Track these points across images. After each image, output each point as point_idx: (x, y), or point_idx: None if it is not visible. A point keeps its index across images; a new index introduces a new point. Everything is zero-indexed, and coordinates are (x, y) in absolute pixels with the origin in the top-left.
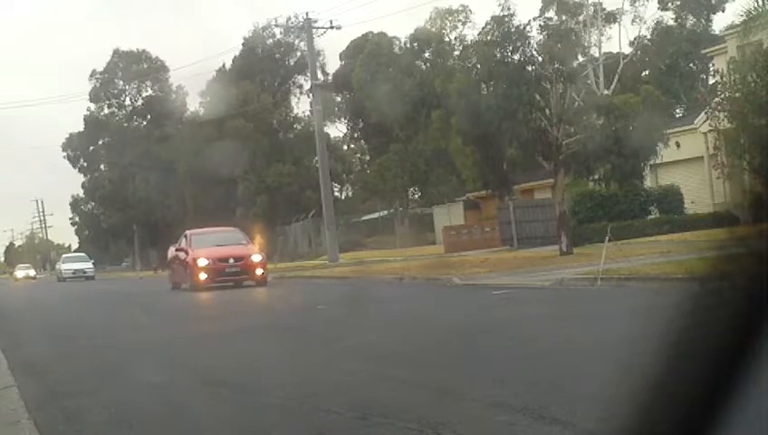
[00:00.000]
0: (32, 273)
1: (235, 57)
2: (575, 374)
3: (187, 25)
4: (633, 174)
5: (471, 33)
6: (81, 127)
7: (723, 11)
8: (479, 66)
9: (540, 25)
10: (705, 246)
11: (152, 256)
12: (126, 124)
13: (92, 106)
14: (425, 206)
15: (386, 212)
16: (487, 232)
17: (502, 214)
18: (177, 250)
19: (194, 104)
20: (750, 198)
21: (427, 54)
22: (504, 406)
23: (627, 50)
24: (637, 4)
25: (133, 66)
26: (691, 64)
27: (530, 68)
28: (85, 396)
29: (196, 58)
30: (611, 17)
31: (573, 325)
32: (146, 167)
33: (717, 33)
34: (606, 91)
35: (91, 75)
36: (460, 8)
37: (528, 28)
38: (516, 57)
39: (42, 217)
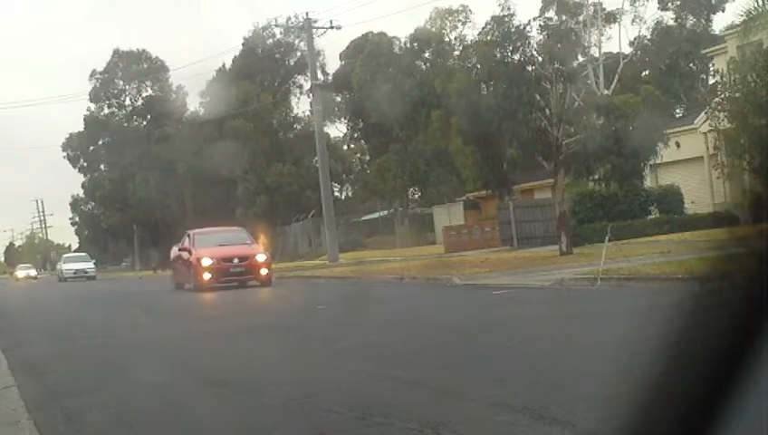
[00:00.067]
0: (33, 273)
1: (235, 57)
2: (575, 374)
3: (187, 25)
4: (633, 174)
5: (471, 33)
6: (81, 127)
7: (723, 11)
8: (479, 66)
9: (540, 25)
10: (705, 246)
11: (152, 256)
12: (126, 124)
13: (92, 106)
14: (425, 206)
15: (386, 212)
16: (487, 232)
17: (502, 214)
18: (180, 250)
19: (194, 104)
20: (750, 198)
21: (427, 54)
22: (504, 406)
23: (627, 50)
24: (637, 4)
25: (133, 66)
26: (691, 64)
27: (530, 68)
28: (85, 396)
29: (196, 58)
30: (611, 17)
31: (573, 325)
32: (146, 167)
33: (717, 33)
34: (606, 91)
35: (91, 75)
36: (460, 8)
37: (528, 28)
38: (516, 57)
39: (42, 217)
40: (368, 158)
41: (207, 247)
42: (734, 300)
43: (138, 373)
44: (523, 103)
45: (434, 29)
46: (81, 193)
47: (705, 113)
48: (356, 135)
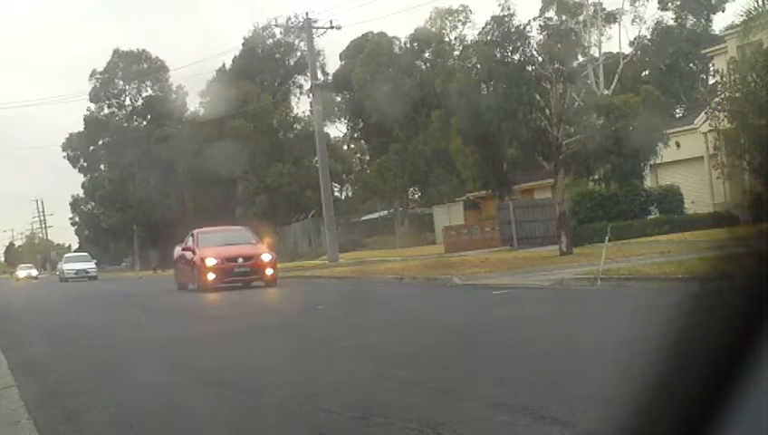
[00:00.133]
0: (34, 273)
1: (235, 57)
2: (575, 374)
3: (187, 25)
4: (633, 174)
5: (471, 33)
6: (81, 127)
7: (723, 11)
8: (479, 66)
9: (540, 25)
10: (705, 246)
11: (152, 256)
12: (126, 124)
13: (92, 106)
14: (425, 206)
15: (386, 212)
16: (487, 232)
17: (502, 214)
18: (183, 249)
19: (194, 104)
20: (750, 198)
21: (427, 54)
22: (504, 406)
23: (627, 50)
24: (637, 4)
25: (133, 66)
26: (691, 64)
27: (530, 68)
28: (85, 396)
29: (196, 58)
30: (611, 17)
31: (573, 325)
32: (146, 167)
33: (717, 33)
34: (606, 91)
35: (91, 75)
36: (460, 8)
37: (528, 28)
38: (516, 57)
39: (42, 217)
40: (368, 158)
41: (211, 247)
42: (734, 300)
43: (138, 373)
44: (523, 103)
45: (434, 29)
46: (81, 193)
47: (705, 113)
48: (356, 135)
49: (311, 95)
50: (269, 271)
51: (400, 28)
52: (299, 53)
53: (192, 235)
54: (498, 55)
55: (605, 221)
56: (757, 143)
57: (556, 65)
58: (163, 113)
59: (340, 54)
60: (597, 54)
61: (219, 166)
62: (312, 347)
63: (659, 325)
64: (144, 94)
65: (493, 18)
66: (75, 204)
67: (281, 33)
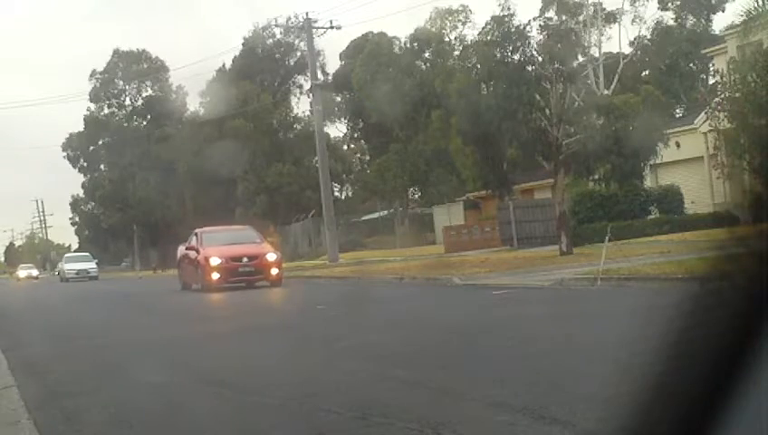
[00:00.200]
0: (34, 273)
1: (235, 57)
2: (575, 374)
3: (187, 25)
4: (633, 174)
5: (471, 33)
6: (81, 127)
7: (723, 11)
8: (479, 66)
9: (540, 25)
10: (705, 246)
11: (152, 256)
12: (126, 124)
13: (92, 106)
14: (425, 206)
15: (386, 212)
16: (487, 232)
17: (502, 214)
18: (187, 249)
19: (194, 104)
20: (750, 198)
21: (427, 54)
22: (504, 406)
23: (627, 50)
24: (637, 4)
25: (133, 66)
26: (691, 64)
27: (530, 68)
28: (85, 396)
29: (196, 58)
30: (611, 17)
31: (573, 325)
32: (146, 167)
33: (717, 33)
34: (606, 91)
35: (91, 75)
36: (460, 8)
37: (528, 28)
38: (516, 57)
39: (42, 217)
40: (368, 158)
41: (216, 246)
42: (734, 300)
43: (138, 373)
44: (523, 103)
45: (434, 29)
46: (81, 193)
47: (705, 113)
48: (356, 135)
49: (311, 95)
50: (274, 270)
51: (400, 28)
52: (299, 53)
53: (196, 234)
54: (498, 55)
55: (605, 221)
56: (757, 143)
57: (556, 65)
58: (163, 113)
59: (340, 54)
60: (597, 54)
61: (219, 166)
62: (312, 347)
63: (659, 325)
64: (144, 94)
65: (493, 18)
66: (75, 204)
67: (281, 33)
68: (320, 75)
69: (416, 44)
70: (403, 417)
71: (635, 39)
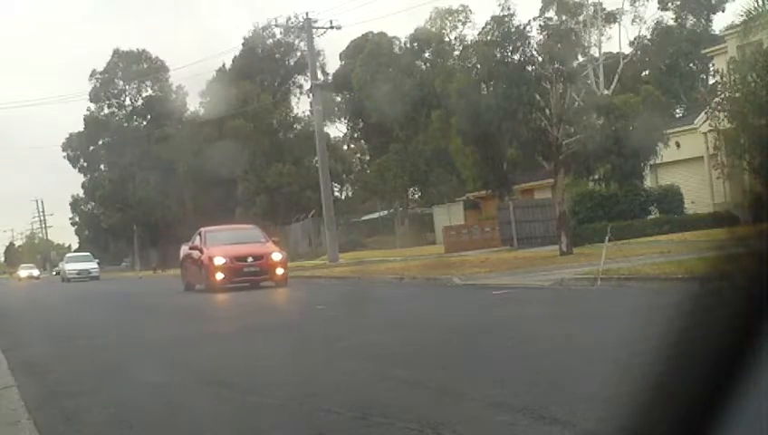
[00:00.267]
0: (35, 273)
1: (235, 57)
2: (575, 374)
3: (187, 25)
4: (633, 174)
5: (471, 33)
6: (81, 127)
7: (723, 11)
8: (479, 66)
9: (540, 25)
10: (705, 246)
11: (152, 256)
12: (126, 124)
13: (92, 106)
14: (425, 206)
15: (386, 212)
16: (487, 232)
17: (502, 214)
18: (190, 248)
19: (194, 104)
20: (750, 198)
21: (427, 54)
22: (504, 406)
23: (627, 50)
24: (637, 4)
25: (133, 66)
26: (691, 64)
27: (530, 68)
28: (85, 396)
29: (196, 58)
30: (611, 17)
31: (573, 325)
32: (146, 167)
33: (717, 33)
34: (606, 91)
35: (91, 75)
36: (460, 8)
37: (528, 28)
38: (516, 57)
39: (42, 217)
40: (368, 158)
41: (220, 246)
42: (734, 300)
43: (138, 373)
44: (523, 103)
45: (434, 29)
46: (81, 193)
47: (705, 113)
48: (356, 135)
49: (311, 95)
50: (279, 270)
51: (400, 28)
52: (299, 53)
53: (200, 233)
54: (498, 55)
55: (605, 221)
56: (757, 143)
57: (556, 65)
58: (163, 113)
59: (340, 54)
60: (597, 54)
61: (219, 166)
62: (312, 347)
63: (659, 325)
64: (144, 94)
65: (493, 18)
66: (75, 204)
67: (281, 33)
68: (320, 75)
69: (416, 44)
70: (403, 417)
71: (635, 39)
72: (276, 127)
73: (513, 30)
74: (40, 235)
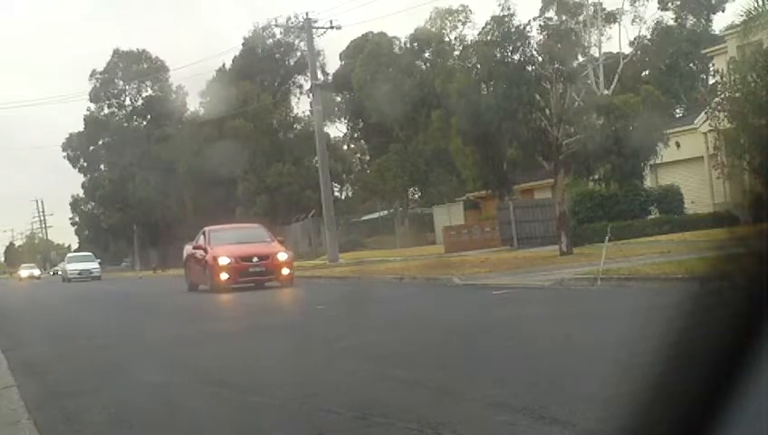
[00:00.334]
0: (36, 272)
1: (235, 57)
2: (575, 374)
3: (187, 25)
4: (633, 174)
5: (471, 33)
6: (81, 127)
7: (723, 11)
8: (479, 66)
9: (540, 25)
10: (705, 246)
11: (152, 256)
12: (126, 124)
13: (92, 106)
14: (425, 206)
15: (386, 212)
16: (487, 232)
17: (502, 214)
18: (194, 248)
19: (194, 104)
20: (750, 198)
21: (427, 54)
22: (504, 406)
23: (627, 50)
24: (637, 4)
25: (133, 66)
26: (691, 64)
27: (530, 68)
28: (85, 396)
29: (196, 58)
30: (611, 17)
31: (573, 325)
32: (146, 167)
33: (717, 33)
34: (606, 91)
35: (91, 75)
36: (460, 8)
37: (528, 28)
38: (516, 57)
39: (42, 217)
40: (368, 158)
41: (224, 245)
42: (734, 300)
43: (138, 373)
44: (523, 103)
45: (434, 29)
46: (81, 193)
47: (705, 113)
48: (356, 135)
49: (311, 95)
50: (285, 270)
51: (400, 28)
52: (299, 53)
53: (203, 233)
54: (498, 55)
55: (605, 221)
56: (757, 143)
57: (556, 65)
58: (163, 113)
59: (340, 54)
60: (597, 54)
61: (219, 166)
62: (312, 347)
63: (659, 325)
64: (144, 94)
65: (493, 18)
66: (75, 204)
67: (281, 33)
68: (320, 75)
69: (416, 44)
70: (403, 417)
71: (635, 39)
72: (276, 127)
73: (513, 30)
74: (40, 235)
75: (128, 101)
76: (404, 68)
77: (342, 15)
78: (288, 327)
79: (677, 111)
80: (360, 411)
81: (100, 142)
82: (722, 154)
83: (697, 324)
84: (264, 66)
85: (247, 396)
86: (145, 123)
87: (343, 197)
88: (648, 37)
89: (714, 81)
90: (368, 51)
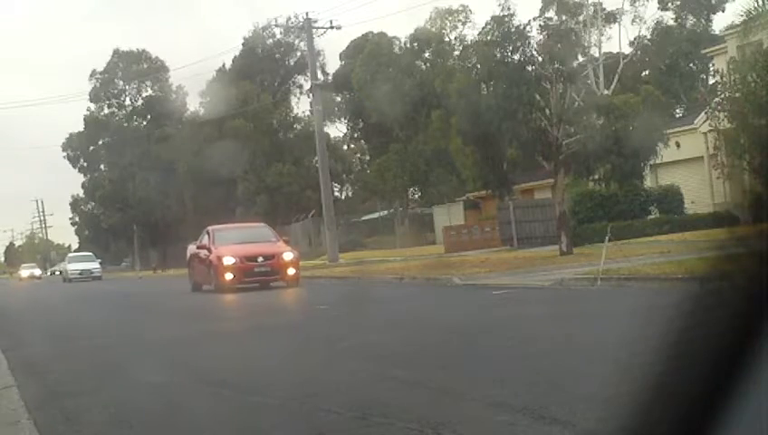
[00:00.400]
0: (37, 272)
1: (235, 57)
2: (575, 374)
3: (187, 25)
4: (633, 174)
5: (471, 33)
6: (81, 127)
7: (723, 11)
8: (479, 66)
9: (540, 25)
10: (705, 246)
11: (152, 256)
12: (126, 124)
13: (92, 106)
14: (425, 206)
15: (386, 212)
16: (487, 232)
17: (502, 214)
18: (198, 248)
19: (194, 104)
20: (750, 198)
21: (427, 54)
22: (504, 406)
23: (627, 50)
24: (637, 4)
25: (133, 66)
26: (691, 64)
27: (530, 68)
28: (85, 396)
29: (196, 58)
30: (611, 17)
31: (573, 325)
32: (146, 167)
33: (717, 33)
34: (606, 91)
35: (91, 75)
36: (460, 8)
37: (528, 28)
38: (516, 57)
39: (42, 217)
40: (368, 158)
41: (229, 245)
42: (734, 300)
43: (138, 373)
44: (523, 103)
45: (434, 29)
46: (81, 193)
47: (705, 113)
48: (356, 135)
49: (311, 95)
50: (291, 270)
51: (400, 28)
52: (299, 53)
53: (207, 232)
54: (498, 55)
55: (605, 221)
56: (757, 143)
57: (556, 65)
58: (163, 113)
59: (340, 54)
60: (597, 54)
61: (219, 166)
62: (312, 347)
63: (659, 325)
64: (144, 94)
65: (493, 18)
66: (75, 204)
67: (281, 33)
68: (320, 75)
69: (416, 44)
70: (403, 417)
71: (635, 39)
72: (276, 127)
73: (513, 30)
74: (40, 235)
75: (128, 101)
76: (404, 68)
77: (342, 15)
78: (288, 327)
79: (677, 111)
80: (360, 411)
81: (100, 142)
82: (722, 154)
83: (697, 324)
84: (264, 66)
85: (247, 396)
86: (145, 123)
87: (343, 197)
88: (648, 37)
89: (714, 81)
90: (368, 51)
